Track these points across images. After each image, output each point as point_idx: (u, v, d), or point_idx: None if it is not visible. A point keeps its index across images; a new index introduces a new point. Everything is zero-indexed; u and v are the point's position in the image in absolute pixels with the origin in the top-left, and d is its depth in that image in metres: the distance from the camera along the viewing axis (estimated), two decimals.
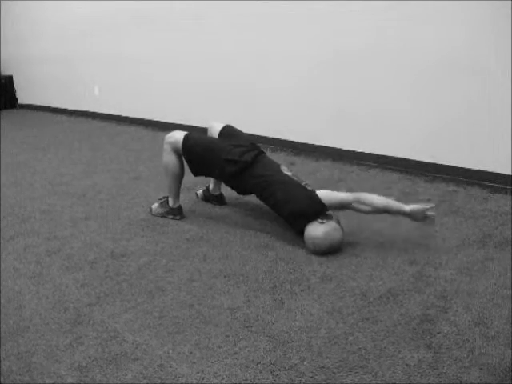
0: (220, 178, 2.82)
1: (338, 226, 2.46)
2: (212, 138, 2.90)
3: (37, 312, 2.08)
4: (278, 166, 2.70)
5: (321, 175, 3.74)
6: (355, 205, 2.51)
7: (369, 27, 3.71)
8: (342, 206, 2.53)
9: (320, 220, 2.44)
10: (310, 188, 2.57)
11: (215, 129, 3.00)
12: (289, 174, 2.64)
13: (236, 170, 2.65)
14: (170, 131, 2.97)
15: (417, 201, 3.10)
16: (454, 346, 1.71)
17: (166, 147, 2.86)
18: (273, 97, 4.60)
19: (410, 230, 2.67)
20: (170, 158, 2.86)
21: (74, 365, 1.73)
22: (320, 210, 2.47)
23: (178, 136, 2.82)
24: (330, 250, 2.43)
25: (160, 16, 5.54)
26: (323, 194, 2.50)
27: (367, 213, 2.51)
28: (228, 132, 2.94)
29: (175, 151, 2.83)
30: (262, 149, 2.86)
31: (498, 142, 3.21)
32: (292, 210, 2.51)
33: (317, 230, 2.42)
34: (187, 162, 2.83)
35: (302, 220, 2.50)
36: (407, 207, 2.46)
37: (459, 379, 1.56)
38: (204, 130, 5.02)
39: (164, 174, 2.97)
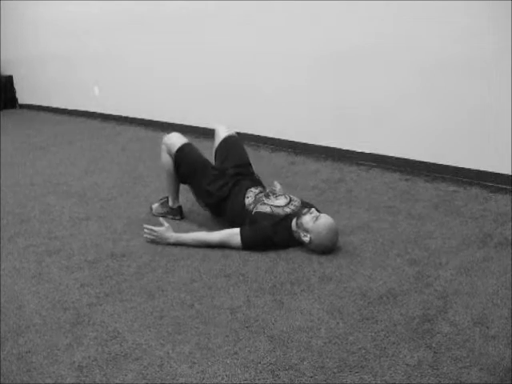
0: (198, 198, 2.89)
1: (320, 214, 2.46)
2: (202, 159, 2.86)
3: (37, 312, 2.08)
4: (243, 201, 2.66)
5: (321, 175, 3.74)
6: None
7: (369, 27, 3.71)
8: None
9: (303, 234, 2.44)
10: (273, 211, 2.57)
11: (219, 136, 3.01)
12: (251, 206, 2.62)
13: (212, 203, 2.78)
14: (170, 131, 2.98)
15: (417, 201, 3.11)
16: (454, 346, 1.71)
17: (163, 147, 2.89)
18: (273, 97, 4.59)
19: (410, 230, 2.67)
20: (165, 158, 2.88)
21: (74, 365, 1.73)
22: (288, 232, 2.51)
23: (175, 142, 2.84)
24: (337, 235, 2.46)
25: (160, 16, 5.53)
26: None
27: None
28: (226, 146, 2.94)
29: (169, 153, 2.85)
30: (246, 171, 2.88)
31: (498, 142, 3.21)
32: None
33: (317, 236, 2.41)
34: (176, 169, 2.85)
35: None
36: None
37: (459, 379, 1.56)
38: (204, 130, 5.02)
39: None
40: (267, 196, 2.67)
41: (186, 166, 2.81)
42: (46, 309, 2.10)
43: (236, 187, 2.74)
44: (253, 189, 2.74)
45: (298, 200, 2.66)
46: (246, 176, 2.85)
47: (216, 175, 2.78)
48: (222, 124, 3.11)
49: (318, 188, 3.44)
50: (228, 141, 2.97)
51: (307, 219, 2.43)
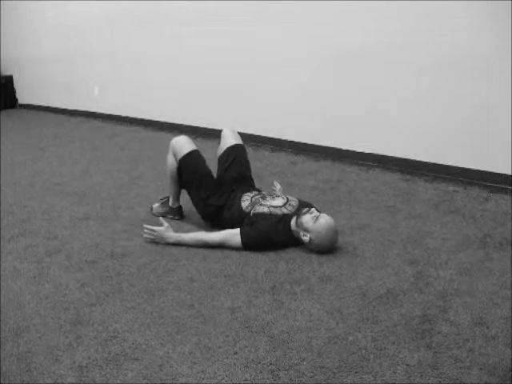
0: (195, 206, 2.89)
1: (320, 214, 2.45)
2: (205, 170, 2.84)
3: (37, 312, 2.08)
4: (239, 205, 2.66)
5: (321, 175, 3.74)
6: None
7: (369, 27, 3.71)
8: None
9: (303, 233, 2.43)
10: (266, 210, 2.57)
11: (225, 142, 2.98)
12: (248, 208, 2.61)
13: (209, 212, 2.79)
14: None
15: (417, 201, 3.11)
16: (454, 346, 1.71)
17: (170, 149, 2.89)
18: (273, 97, 4.60)
19: (410, 230, 2.67)
20: (170, 160, 2.88)
21: (74, 365, 1.73)
22: (286, 232, 2.50)
23: (182, 147, 2.83)
24: (336, 235, 2.45)
25: (160, 16, 5.54)
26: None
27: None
28: (232, 154, 2.91)
29: (175, 157, 2.85)
30: (246, 182, 2.88)
31: (498, 142, 3.21)
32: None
33: (317, 236, 2.40)
34: (178, 174, 2.85)
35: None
36: None
37: (459, 379, 1.56)
38: (204, 130, 5.01)
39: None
40: (264, 197, 2.68)
41: (189, 173, 2.81)
42: (45, 309, 2.10)
43: (232, 194, 2.75)
44: (248, 193, 2.74)
45: (296, 200, 2.67)
46: (243, 184, 2.85)
47: (215, 185, 2.79)
48: (230, 128, 3.07)
49: (317, 188, 3.44)
50: (234, 150, 2.94)
51: (307, 219, 2.43)
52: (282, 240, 2.51)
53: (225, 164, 2.90)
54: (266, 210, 2.57)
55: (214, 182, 2.82)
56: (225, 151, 2.95)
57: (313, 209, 2.50)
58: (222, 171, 2.90)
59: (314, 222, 2.40)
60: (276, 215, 2.54)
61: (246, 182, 2.91)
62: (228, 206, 2.72)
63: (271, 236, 2.49)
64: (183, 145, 2.85)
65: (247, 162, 2.99)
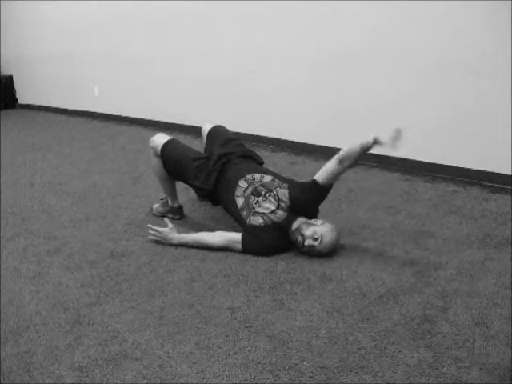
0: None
1: (322, 232, 2.38)
2: (185, 153, 2.81)
3: (37, 312, 2.08)
4: (234, 188, 2.58)
5: None
6: (341, 166, 2.46)
7: (369, 27, 3.71)
8: (336, 176, 2.47)
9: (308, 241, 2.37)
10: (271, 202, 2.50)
11: (204, 133, 3.09)
12: (243, 213, 2.53)
13: (202, 195, 2.80)
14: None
15: (417, 201, 3.11)
16: (454, 346, 1.71)
17: (150, 151, 2.88)
18: (273, 97, 4.60)
19: (410, 230, 2.68)
20: (154, 161, 2.88)
21: (74, 365, 1.73)
22: (283, 230, 2.46)
23: (158, 142, 2.83)
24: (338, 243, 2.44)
25: (160, 16, 5.54)
26: (321, 176, 2.47)
27: (354, 165, 2.53)
28: (211, 136, 2.99)
29: (156, 155, 2.84)
30: (232, 148, 2.81)
31: (498, 142, 3.21)
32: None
33: (322, 248, 2.38)
34: (166, 169, 2.85)
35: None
36: (370, 139, 2.52)
37: (459, 379, 1.56)
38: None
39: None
40: (257, 200, 2.52)
41: (172, 162, 2.80)
42: (45, 309, 2.10)
43: (223, 179, 2.66)
44: (241, 182, 2.59)
45: (286, 195, 2.50)
46: (230, 156, 2.74)
47: (199, 167, 2.72)
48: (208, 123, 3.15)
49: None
50: (212, 131, 3.01)
51: (310, 233, 2.37)
52: (282, 249, 2.50)
53: (209, 147, 2.90)
54: (261, 221, 2.48)
55: (196, 163, 2.73)
56: (206, 140, 3.01)
57: (314, 225, 2.40)
58: (210, 153, 2.83)
59: (320, 243, 2.34)
60: (273, 223, 2.47)
61: (230, 145, 2.85)
62: (222, 193, 2.65)
63: (273, 249, 2.48)
64: (158, 140, 2.84)
65: (227, 130, 3.04)
